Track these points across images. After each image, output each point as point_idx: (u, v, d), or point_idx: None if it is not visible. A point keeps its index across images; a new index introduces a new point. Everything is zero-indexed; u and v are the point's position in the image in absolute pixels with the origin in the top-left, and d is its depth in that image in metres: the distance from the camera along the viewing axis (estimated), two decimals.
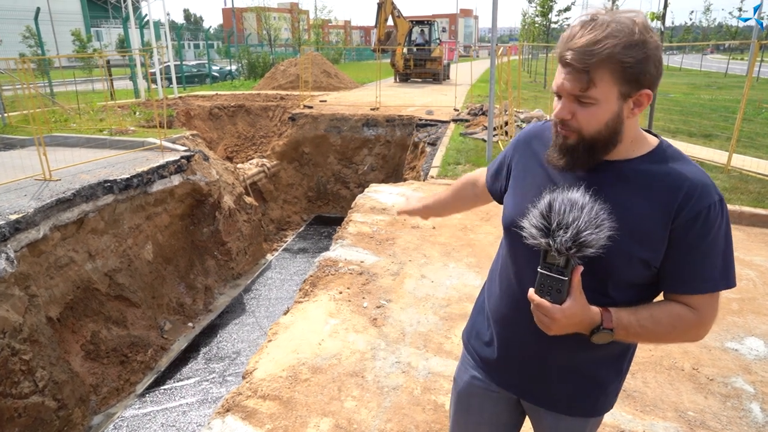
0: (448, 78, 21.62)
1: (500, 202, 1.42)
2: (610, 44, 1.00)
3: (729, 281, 1.12)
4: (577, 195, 1.07)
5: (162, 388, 6.04)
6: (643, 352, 3.04)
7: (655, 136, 1.18)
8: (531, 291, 1.11)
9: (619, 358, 1.27)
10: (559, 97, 1.12)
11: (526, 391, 1.35)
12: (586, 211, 1.04)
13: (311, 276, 3.88)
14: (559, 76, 1.08)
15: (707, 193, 1.09)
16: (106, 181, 6.32)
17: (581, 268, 1.07)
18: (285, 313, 3.45)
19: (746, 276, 4.04)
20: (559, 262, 1.06)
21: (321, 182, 12.41)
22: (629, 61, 1.01)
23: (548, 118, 1.29)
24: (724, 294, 3.68)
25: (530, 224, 1.09)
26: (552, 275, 1.07)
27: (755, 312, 3.50)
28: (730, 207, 5.31)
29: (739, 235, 4.91)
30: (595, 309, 1.10)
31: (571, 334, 1.13)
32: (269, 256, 9.88)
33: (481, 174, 1.57)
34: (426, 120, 11.31)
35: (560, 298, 1.07)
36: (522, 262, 1.24)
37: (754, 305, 3.60)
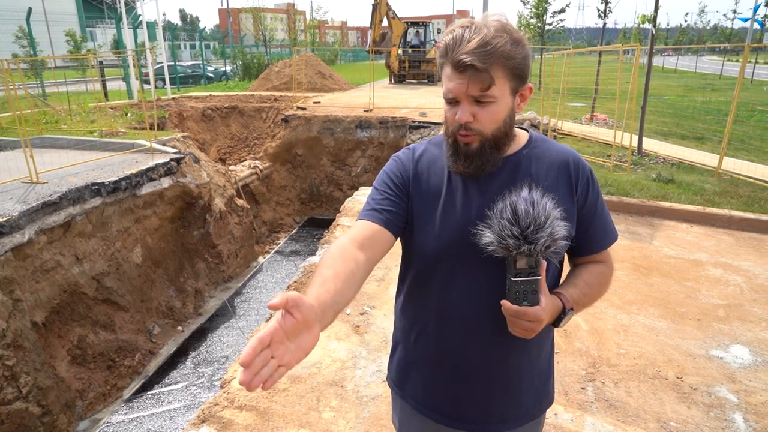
0: None
1: (396, 236, 1.22)
2: (501, 42, 1.05)
3: (616, 230, 1.30)
4: (528, 193, 1.07)
5: (149, 393, 5.99)
6: (627, 360, 3.02)
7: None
8: (506, 303, 1.06)
9: (553, 344, 1.35)
10: (452, 103, 1.12)
11: (488, 419, 1.27)
12: (544, 206, 1.05)
13: (295, 282, 3.84)
14: (453, 82, 1.09)
15: (582, 160, 1.24)
16: (93, 184, 6.26)
17: (545, 263, 1.07)
18: (267, 320, 3.41)
19: (733, 282, 4.02)
20: (531, 264, 1.05)
21: (314, 184, 12.37)
22: (518, 58, 1.07)
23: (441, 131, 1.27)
24: (710, 301, 3.68)
25: (498, 236, 1.05)
26: (527, 279, 1.05)
27: (741, 319, 3.48)
28: (718, 211, 5.30)
29: (728, 239, 4.89)
30: (554, 296, 1.14)
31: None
32: (261, 259, 9.83)
33: (363, 231, 1.16)
34: (419, 122, 11.28)
35: (537, 299, 1.06)
36: (467, 285, 1.18)
37: (740, 312, 3.57)
